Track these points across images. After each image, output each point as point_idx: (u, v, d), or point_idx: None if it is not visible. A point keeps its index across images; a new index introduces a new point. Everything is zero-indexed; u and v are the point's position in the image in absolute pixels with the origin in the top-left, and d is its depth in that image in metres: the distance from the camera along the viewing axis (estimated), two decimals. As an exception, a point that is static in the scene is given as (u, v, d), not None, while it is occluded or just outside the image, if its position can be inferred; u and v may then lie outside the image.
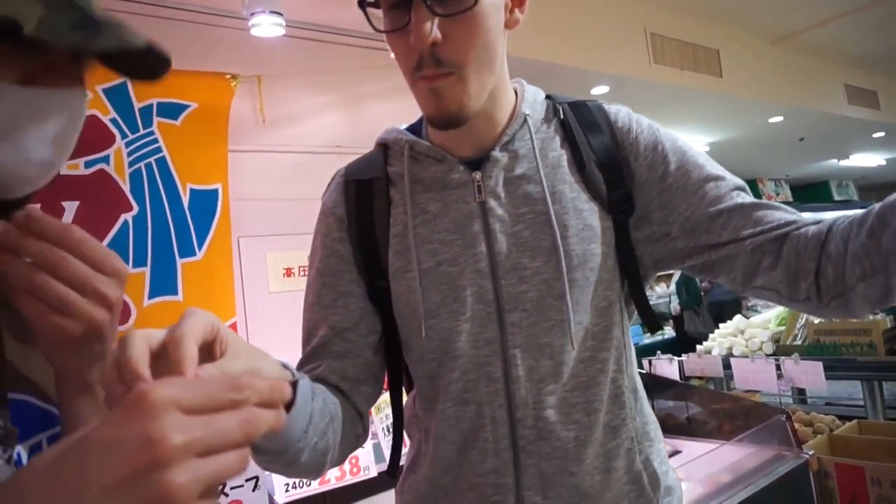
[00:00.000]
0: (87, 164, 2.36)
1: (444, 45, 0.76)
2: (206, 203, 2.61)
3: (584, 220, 0.88)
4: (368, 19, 0.82)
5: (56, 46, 0.47)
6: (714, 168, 0.90)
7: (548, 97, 0.96)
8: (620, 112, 0.94)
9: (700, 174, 0.89)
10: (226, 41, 2.71)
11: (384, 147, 0.96)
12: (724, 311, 6.57)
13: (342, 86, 3.13)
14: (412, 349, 0.93)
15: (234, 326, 2.60)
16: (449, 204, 0.89)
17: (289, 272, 2.86)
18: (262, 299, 2.78)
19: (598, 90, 4.32)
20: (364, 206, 0.94)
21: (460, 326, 0.87)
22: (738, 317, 4.31)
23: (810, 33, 5.29)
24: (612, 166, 0.90)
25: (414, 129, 0.96)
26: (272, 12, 2.50)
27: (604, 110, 0.94)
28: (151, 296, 2.44)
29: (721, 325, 4.32)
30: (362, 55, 3.13)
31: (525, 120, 0.90)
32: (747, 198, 0.88)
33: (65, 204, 2.30)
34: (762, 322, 4.13)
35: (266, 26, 2.54)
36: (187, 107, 2.59)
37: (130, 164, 2.45)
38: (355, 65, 3.11)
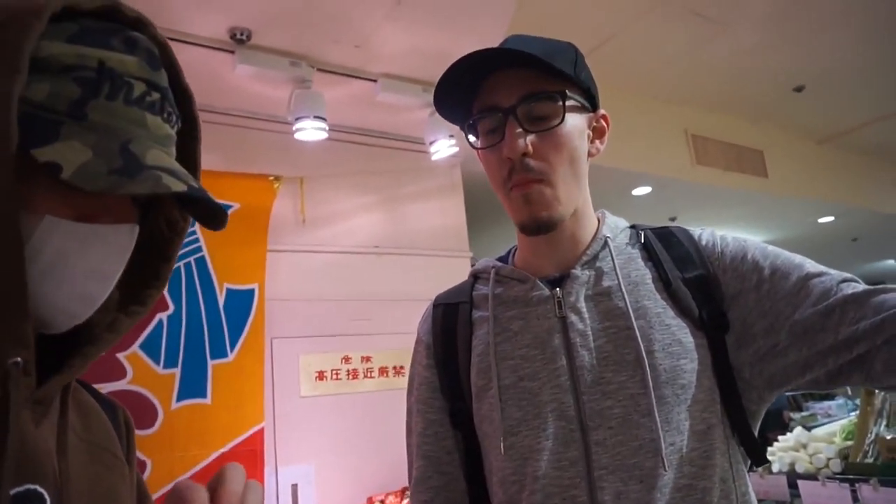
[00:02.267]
0: (128, 264, 2.37)
1: (533, 155, 0.84)
2: (241, 303, 2.58)
3: (672, 335, 0.84)
4: (468, 139, 0.92)
5: (87, 191, 0.48)
6: (814, 266, 0.84)
7: (632, 226, 0.98)
8: (704, 231, 0.94)
9: (800, 274, 0.83)
10: (270, 144, 2.78)
11: (474, 277, 1.02)
12: (766, 422, 6.12)
13: (381, 187, 3.15)
14: (494, 471, 0.90)
15: (261, 432, 2.49)
16: (530, 321, 0.90)
17: (321, 375, 2.77)
18: (292, 403, 2.69)
19: (640, 191, 4.29)
20: (448, 329, 0.98)
21: (541, 444, 0.84)
22: (798, 429, 3.99)
23: (858, 133, 5.22)
24: (700, 283, 0.87)
25: (502, 259, 1.02)
26: (316, 117, 2.56)
27: (686, 231, 0.94)
28: (180, 398, 2.37)
29: (780, 437, 3.99)
30: (402, 157, 3.18)
31: (606, 241, 0.92)
32: (858, 286, 0.80)
33: (102, 303, 2.29)
34: (826, 435, 3.79)
35: (309, 130, 2.59)
36: (230, 207, 2.62)
37: (170, 264, 2.46)
38: (395, 167, 3.15)
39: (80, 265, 0.51)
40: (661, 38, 3.52)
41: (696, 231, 0.94)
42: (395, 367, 2.97)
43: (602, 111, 0.93)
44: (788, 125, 4.97)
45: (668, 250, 0.91)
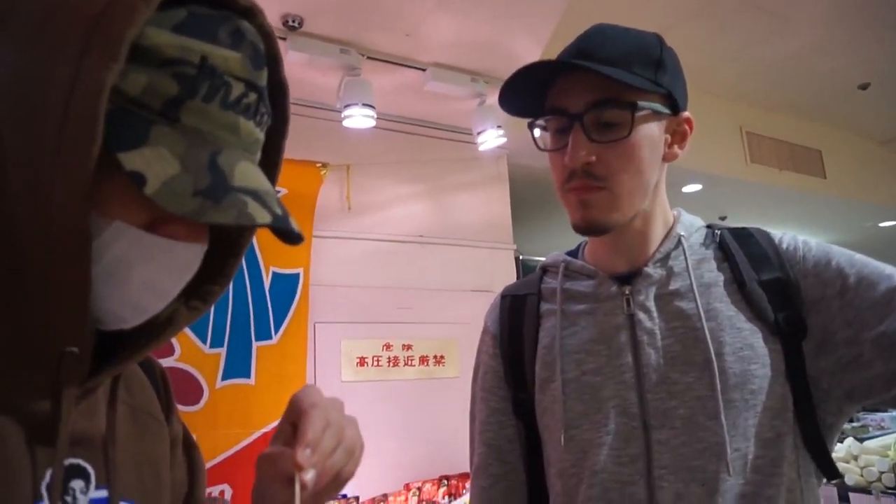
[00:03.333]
0: (178, 245, 2.43)
1: (597, 164, 0.81)
2: (286, 287, 2.62)
3: (744, 340, 0.82)
4: (534, 139, 0.90)
5: (167, 211, 0.46)
6: None
7: (708, 226, 0.96)
8: (786, 235, 0.90)
9: (890, 284, 0.79)
10: (318, 131, 2.81)
11: (543, 270, 1.02)
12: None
13: (427, 177, 3.15)
14: (553, 463, 0.91)
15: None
16: (597, 316, 0.90)
17: (362, 361, 2.79)
18: (333, 388, 2.72)
19: (690, 188, 4.18)
20: (515, 320, 0.99)
21: (602, 439, 0.84)
22: (850, 440, 3.84)
23: (924, 135, 4.99)
24: (778, 286, 0.84)
25: (571, 253, 1.01)
26: (364, 105, 2.57)
27: (766, 233, 0.91)
28: (224, 377, 2.42)
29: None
30: (449, 147, 3.17)
31: (679, 240, 0.90)
32: None
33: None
34: (879, 448, 3.64)
35: (358, 118, 2.61)
36: (278, 192, 2.64)
37: (219, 246, 2.51)
38: (441, 156, 3.14)
39: (138, 276, 0.50)
40: (718, 32, 3.42)
41: (776, 234, 0.90)
42: (435, 357, 2.97)
43: (686, 114, 0.89)
44: (849, 125, 4.78)
45: (744, 251, 0.88)
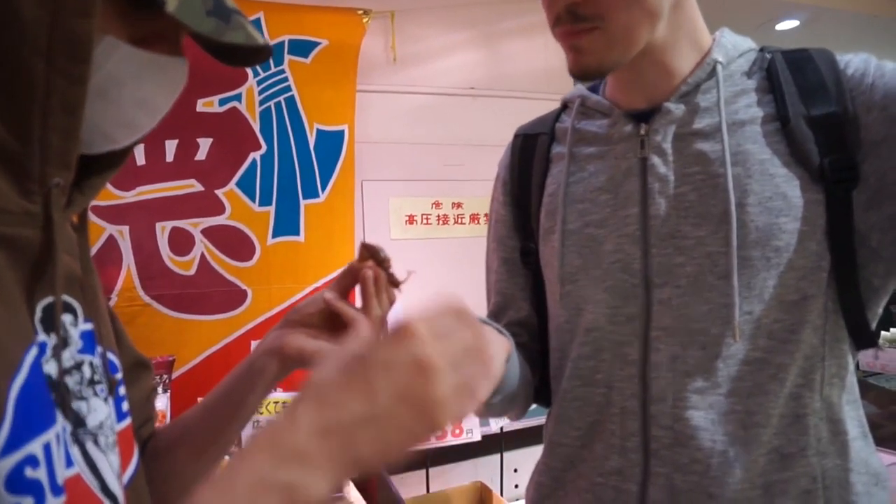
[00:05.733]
0: (221, 102, 2.41)
1: (582, 3, 0.70)
2: (331, 144, 2.58)
3: (775, 188, 0.72)
4: None
5: (188, 31, 0.46)
6: None
7: (761, 49, 0.81)
8: (856, 57, 0.74)
9: None
10: (357, -26, 2.61)
11: (563, 105, 0.93)
12: None
13: (479, 22, 2.91)
14: (551, 317, 0.89)
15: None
16: (608, 160, 0.82)
17: (411, 219, 2.78)
18: (383, 245, 2.73)
19: (786, 25, 3.67)
20: (525, 163, 0.93)
21: (598, 296, 0.80)
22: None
23: None
24: (831, 123, 0.71)
25: (595, 87, 0.91)
26: (403, -60, 2.34)
27: (830, 55, 0.76)
28: (275, 235, 2.48)
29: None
30: (500, -13, 2.88)
31: (715, 68, 0.77)
32: None
33: (199, 140, 2.37)
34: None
35: (396, -44, 2.39)
36: (318, 44, 2.54)
37: (261, 103, 2.47)
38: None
39: (132, 93, 0.49)
40: None
41: (845, 56, 0.75)
42: (486, 215, 2.91)
43: None
44: None
45: (796, 80, 0.74)
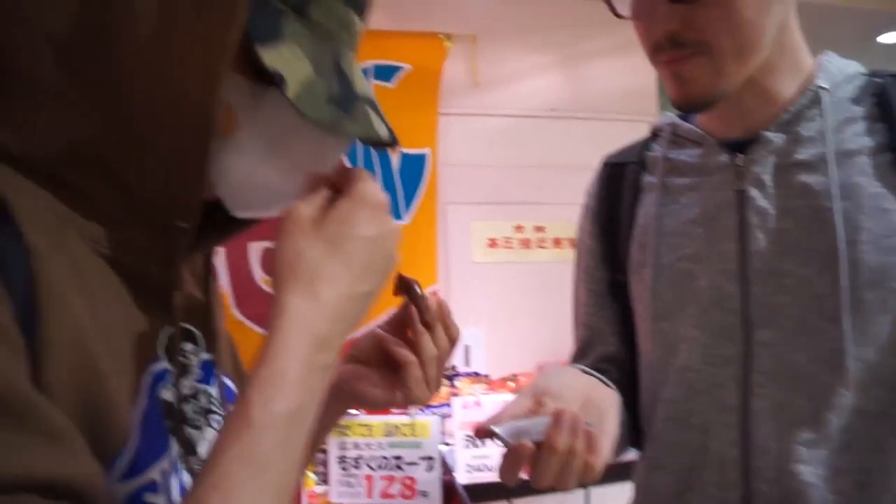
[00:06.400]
0: (309, 127, 2.48)
1: (684, 29, 0.66)
2: (414, 168, 2.61)
3: (891, 225, 0.67)
4: (611, 5, 0.73)
5: (306, 120, 0.44)
6: None
7: (871, 73, 0.75)
8: None
9: None
10: (440, -1, 2.65)
11: (653, 134, 0.89)
12: None
13: (561, 44, 2.89)
14: (642, 355, 0.84)
15: (434, 294, 2.58)
16: (702, 192, 0.77)
17: (493, 243, 2.76)
18: (465, 268, 2.73)
19: (889, 38, 3.48)
20: (614, 193, 0.89)
21: (693, 334, 0.75)
22: None
23: None
24: None
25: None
26: (487, -35, 2.36)
27: None
28: (359, 258, 2.50)
29: None
30: (581, 9, 2.86)
31: (818, 95, 0.72)
32: None
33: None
34: None
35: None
36: (401, 68, 2.59)
37: (346, 127, 2.52)
38: (574, 21, 2.85)
39: (296, 159, 0.50)
40: None
41: None
42: (570, 239, 2.84)
43: None
44: None
45: None
